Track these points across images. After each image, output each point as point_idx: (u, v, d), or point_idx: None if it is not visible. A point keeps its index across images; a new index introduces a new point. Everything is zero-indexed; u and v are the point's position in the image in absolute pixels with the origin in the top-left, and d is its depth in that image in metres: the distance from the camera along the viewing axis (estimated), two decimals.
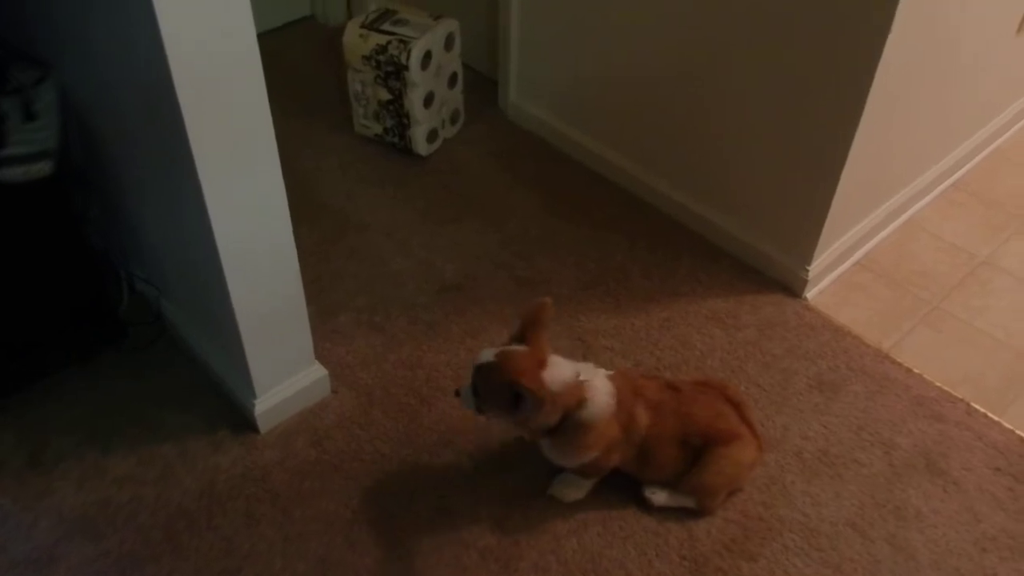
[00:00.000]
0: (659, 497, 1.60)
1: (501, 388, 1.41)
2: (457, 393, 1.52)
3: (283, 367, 1.73)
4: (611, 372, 1.53)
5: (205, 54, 1.24)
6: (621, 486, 1.62)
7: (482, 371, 1.44)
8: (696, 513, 1.60)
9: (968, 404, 1.84)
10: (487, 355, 1.45)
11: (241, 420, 1.75)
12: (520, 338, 1.46)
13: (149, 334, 1.91)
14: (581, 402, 1.45)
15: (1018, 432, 1.78)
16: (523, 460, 1.70)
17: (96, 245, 1.79)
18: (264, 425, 1.73)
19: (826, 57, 1.76)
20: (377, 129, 2.49)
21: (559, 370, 1.44)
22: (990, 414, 1.82)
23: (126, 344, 1.88)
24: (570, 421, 1.46)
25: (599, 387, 1.48)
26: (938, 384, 1.88)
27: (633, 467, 1.58)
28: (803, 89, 1.84)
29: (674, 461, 1.55)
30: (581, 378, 1.45)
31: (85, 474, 1.65)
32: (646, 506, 1.61)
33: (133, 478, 1.65)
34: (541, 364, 1.43)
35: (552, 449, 1.53)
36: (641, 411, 1.50)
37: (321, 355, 1.82)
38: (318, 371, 1.79)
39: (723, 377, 1.88)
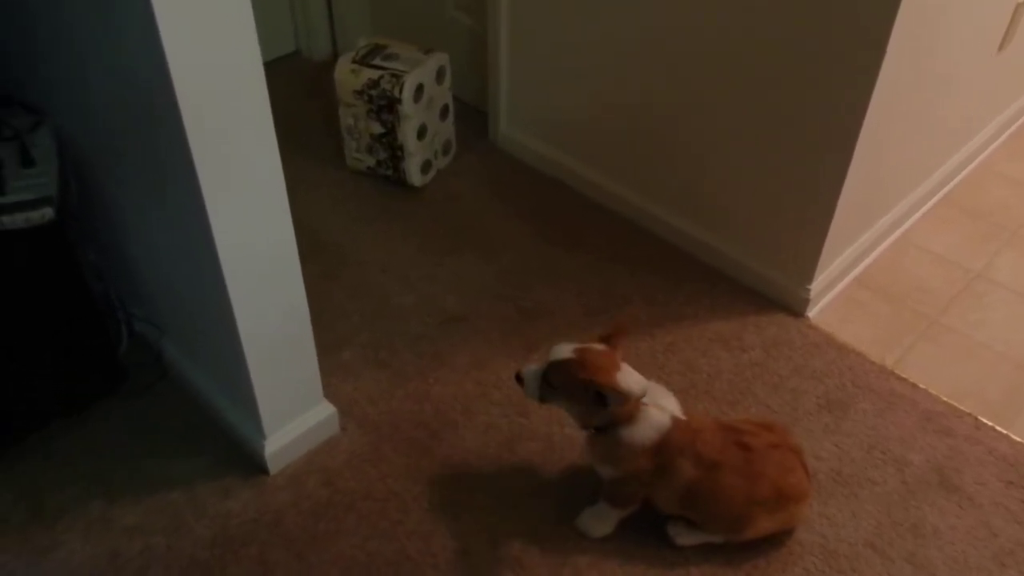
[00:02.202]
0: (684, 538, 1.58)
1: (578, 384, 1.43)
2: (519, 378, 1.52)
3: (292, 405, 1.70)
4: (680, 416, 1.51)
5: (211, 84, 1.23)
6: (640, 519, 1.60)
7: (560, 366, 1.45)
8: (718, 545, 1.59)
9: (976, 418, 1.85)
10: (565, 350, 1.45)
11: (249, 462, 1.72)
12: (604, 341, 1.48)
13: (150, 377, 1.87)
14: (629, 419, 1.46)
15: None
16: (540, 494, 1.69)
17: (95, 288, 1.76)
18: (274, 466, 1.70)
19: (822, 78, 1.78)
20: (370, 162, 2.48)
21: (630, 378, 1.45)
22: (998, 427, 1.83)
23: (127, 388, 1.84)
24: (613, 431, 1.46)
25: (651, 417, 1.47)
26: (944, 398, 1.89)
27: (683, 513, 1.56)
28: (799, 111, 1.86)
29: (738, 520, 1.53)
30: (644, 399, 1.47)
31: (91, 526, 1.61)
32: (668, 542, 1.59)
33: (142, 528, 1.61)
34: (616, 366, 1.44)
35: (589, 446, 1.54)
36: (686, 464, 1.47)
37: (327, 392, 1.79)
38: (326, 408, 1.77)
39: (732, 399, 1.88)
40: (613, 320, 1.53)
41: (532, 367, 1.51)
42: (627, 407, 1.44)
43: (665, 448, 1.47)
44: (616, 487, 1.55)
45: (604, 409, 1.43)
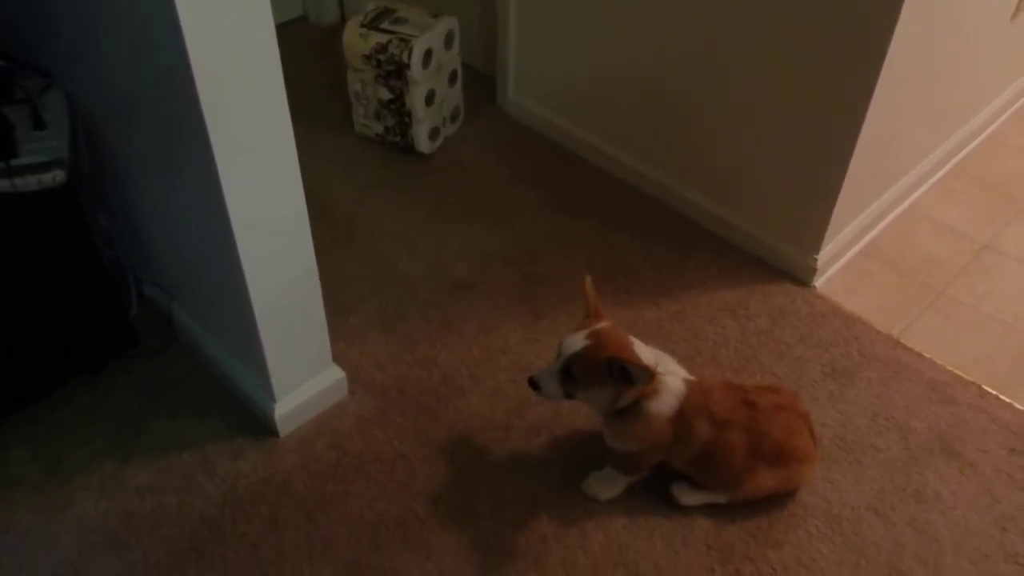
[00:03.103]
0: (687, 498, 1.60)
1: (603, 368, 1.39)
2: (534, 385, 1.46)
3: (301, 369, 1.72)
4: (690, 378, 1.52)
5: (225, 45, 1.23)
6: (644, 480, 1.62)
7: (581, 356, 1.41)
8: (722, 505, 1.61)
9: (980, 387, 1.86)
10: (578, 339, 1.42)
11: (260, 425, 1.74)
12: (593, 318, 1.47)
13: (161, 341, 1.89)
14: (653, 392, 1.45)
15: None
16: (544, 457, 1.71)
17: (106, 252, 1.77)
18: (284, 429, 1.72)
19: (834, 46, 1.77)
20: (378, 128, 2.48)
21: (643, 350, 1.45)
22: (1002, 396, 1.84)
23: (137, 351, 1.86)
24: (636, 408, 1.46)
25: (670, 386, 1.47)
26: (949, 368, 1.90)
27: (690, 471, 1.58)
28: (811, 79, 1.85)
29: (738, 474, 1.54)
30: (660, 370, 1.46)
31: (105, 485, 1.64)
32: (672, 502, 1.62)
33: (154, 488, 1.64)
34: (630, 340, 1.44)
35: (611, 429, 1.52)
36: (702, 425, 1.49)
37: (336, 357, 1.81)
38: (336, 373, 1.78)
39: (738, 367, 1.89)
40: (584, 296, 1.50)
41: (543, 370, 1.46)
42: (651, 380, 1.42)
43: (684, 413, 1.48)
44: (633, 458, 1.56)
45: (631, 387, 1.42)
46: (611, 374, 1.40)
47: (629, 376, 1.39)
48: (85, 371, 1.81)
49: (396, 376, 1.86)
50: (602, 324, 1.45)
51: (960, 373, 1.89)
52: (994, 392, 1.85)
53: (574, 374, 1.43)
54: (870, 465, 1.71)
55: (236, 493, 1.63)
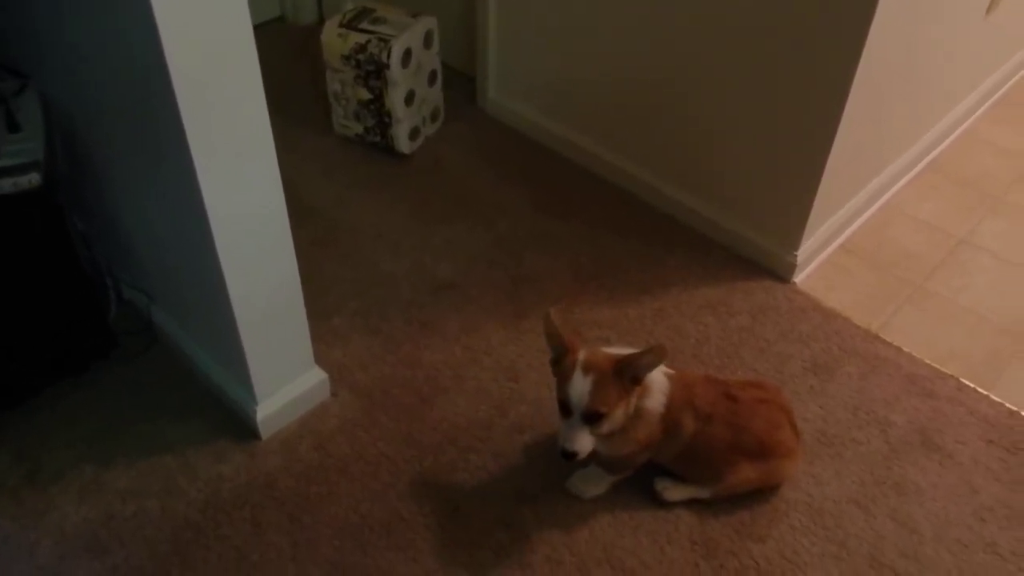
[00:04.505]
0: (671, 493, 1.61)
1: (614, 383, 1.37)
2: (571, 455, 1.40)
3: (283, 371, 1.71)
4: (671, 372, 1.53)
5: (202, 45, 1.22)
6: (629, 478, 1.62)
7: (593, 391, 1.36)
8: (705, 501, 1.62)
9: (958, 380, 1.88)
10: (578, 383, 1.37)
11: (242, 427, 1.73)
12: (562, 351, 1.42)
13: (140, 344, 1.88)
14: (644, 390, 1.45)
15: (1007, 405, 1.83)
16: (528, 456, 1.71)
17: (83, 254, 1.75)
18: (266, 431, 1.71)
19: (811, 46, 1.79)
20: (358, 129, 2.47)
21: (620, 352, 1.42)
22: (979, 389, 1.87)
23: (117, 354, 1.84)
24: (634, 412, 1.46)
25: (656, 382, 1.48)
26: (928, 362, 1.93)
27: (674, 466, 1.59)
28: (789, 76, 1.86)
29: (720, 467, 1.55)
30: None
31: (85, 489, 1.62)
32: (656, 498, 1.62)
33: (135, 491, 1.62)
34: (609, 351, 1.42)
35: (607, 441, 1.48)
36: (688, 419, 1.50)
37: (319, 359, 1.80)
38: (318, 374, 1.78)
39: (720, 364, 1.90)
40: (552, 331, 1.43)
41: (567, 432, 1.39)
42: (663, 354, 1.38)
43: (671, 408, 1.49)
44: (624, 459, 1.55)
45: (640, 386, 1.41)
46: (623, 381, 1.38)
47: (637, 372, 1.38)
48: (64, 375, 1.79)
49: (379, 377, 1.86)
50: (581, 354, 1.40)
51: (938, 366, 1.92)
52: (971, 385, 1.88)
53: (597, 411, 1.38)
54: (851, 459, 1.73)
55: (219, 496, 1.62)
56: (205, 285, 1.54)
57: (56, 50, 1.52)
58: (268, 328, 1.61)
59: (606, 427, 1.41)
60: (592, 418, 1.39)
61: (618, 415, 1.41)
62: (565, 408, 1.41)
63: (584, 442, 1.40)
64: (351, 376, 1.85)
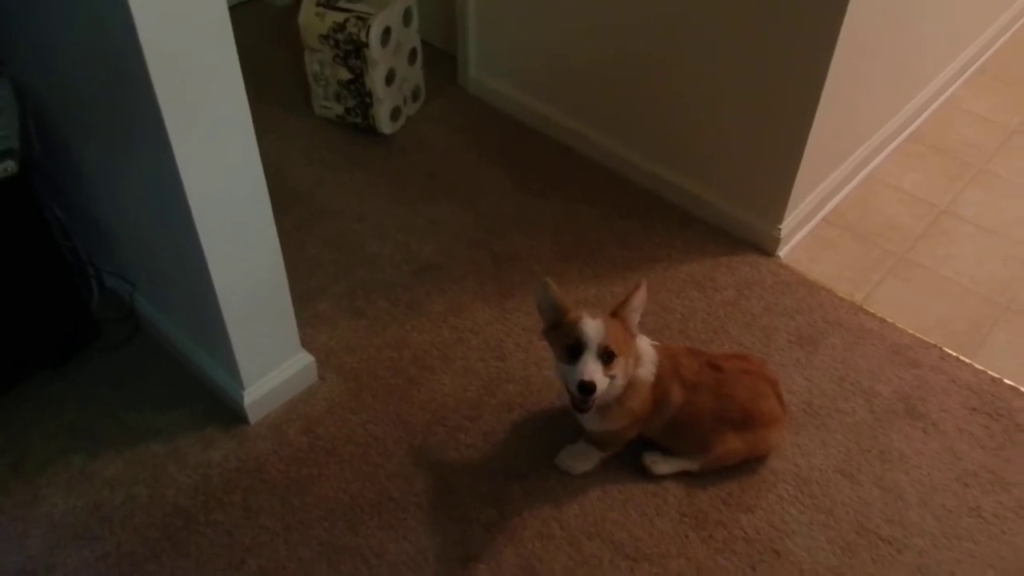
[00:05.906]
0: (659, 467, 1.63)
1: (624, 329, 1.43)
2: (586, 388, 1.37)
3: (269, 355, 1.70)
4: (655, 343, 1.54)
5: (175, 22, 1.20)
6: (617, 452, 1.63)
7: (609, 327, 1.40)
8: (694, 473, 1.63)
9: (941, 349, 1.90)
10: (590, 322, 1.39)
11: (229, 413, 1.72)
12: (560, 314, 1.45)
13: (123, 332, 1.86)
14: (636, 359, 1.47)
15: (990, 373, 1.86)
16: (517, 434, 1.72)
17: (63, 243, 1.73)
18: (254, 416, 1.71)
19: (791, 18, 1.78)
20: (338, 110, 2.45)
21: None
22: (962, 357, 1.89)
23: (100, 343, 1.83)
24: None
25: (646, 352, 1.50)
26: (911, 332, 1.94)
27: (661, 439, 1.60)
28: (769, 49, 1.86)
29: (707, 437, 1.57)
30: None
31: (73, 479, 1.61)
32: (645, 472, 1.63)
33: (124, 480, 1.61)
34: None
35: (602, 415, 1.50)
36: (676, 389, 1.51)
37: (304, 342, 1.79)
38: (304, 358, 1.77)
39: (706, 338, 1.91)
40: (552, 297, 1.46)
41: (582, 366, 1.38)
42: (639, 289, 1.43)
43: (661, 378, 1.50)
44: (614, 434, 1.56)
45: (634, 339, 1.46)
46: (625, 326, 1.42)
47: (630, 314, 1.43)
48: (48, 364, 1.77)
49: (366, 359, 1.85)
50: (580, 311, 1.43)
51: (921, 336, 1.93)
52: (954, 353, 1.90)
53: (611, 348, 1.39)
54: (837, 428, 1.74)
55: (208, 481, 1.62)
56: (187, 270, 1.53)
57: (28, 35, 1.49)
58: (253, 313, 1.60)
59: (616, 370, 1.41)
60: (606, 357, 1.38)
61: (625, 365, 1.43)
62: (574, 351, 1.40)
63: (598, 372, 1.38)
64: (338, 359, 1.85)
